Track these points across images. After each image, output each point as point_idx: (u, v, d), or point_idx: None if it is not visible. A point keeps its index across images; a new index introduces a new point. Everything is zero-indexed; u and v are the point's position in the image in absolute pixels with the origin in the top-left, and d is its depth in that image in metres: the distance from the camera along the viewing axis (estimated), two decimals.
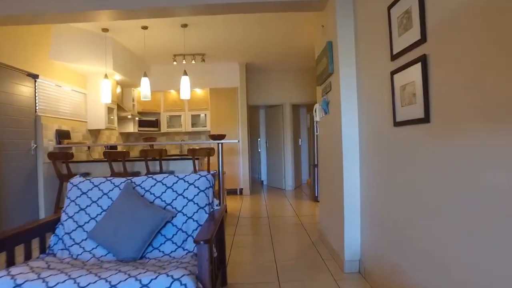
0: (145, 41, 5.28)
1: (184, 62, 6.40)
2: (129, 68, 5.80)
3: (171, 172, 4.54)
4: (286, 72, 7.63)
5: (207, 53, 6.28)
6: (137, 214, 2.08)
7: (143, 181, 2.36)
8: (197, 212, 2.20)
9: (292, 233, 3.94)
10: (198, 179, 2.32)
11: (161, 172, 4.17)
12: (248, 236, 3.86)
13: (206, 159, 4.92)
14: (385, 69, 2.06)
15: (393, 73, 1.91)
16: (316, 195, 5.86)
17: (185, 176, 2.35)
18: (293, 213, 4.97)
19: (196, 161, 4.48)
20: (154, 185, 2.32)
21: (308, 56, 6.54)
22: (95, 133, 5.68)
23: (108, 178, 2.40)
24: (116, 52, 5.23)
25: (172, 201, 2.25)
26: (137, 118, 6.63)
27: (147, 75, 4.98)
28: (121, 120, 6.67)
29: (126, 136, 7.08)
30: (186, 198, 2.24)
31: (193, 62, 6.37)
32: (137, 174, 4.46)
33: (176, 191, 2.28)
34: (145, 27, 4.74)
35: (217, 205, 2.38)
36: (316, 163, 5.86)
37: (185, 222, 2.18)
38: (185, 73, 4.72)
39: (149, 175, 2.41)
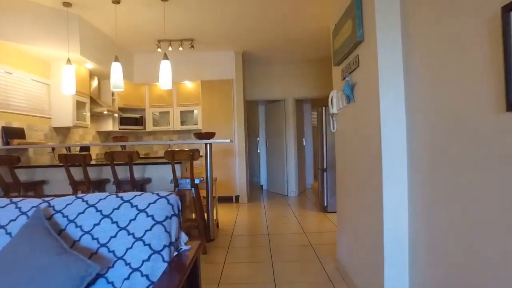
0: (118, 20, 4.37)
1: (170, 49, 5.50)
2: (104, 55, 4.90)
3: (147, 181, 3.64)
4: (288, 63, 6.73)
5: (197, 39, 5.38)
6: (39, 269, 1.18)
7: (67, 205, 1.45)
8: (148, 259, 1.30)
9: (300, 260, 3.04)
10: (154, 202, 1.42)
11: (132, 181, 3.27)
12: (242, 266, 2.95)
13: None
14: (484, 11, 1.15)
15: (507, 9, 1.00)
16: (326, 205, 4.96)
17: (134, 197, 1.45)
18: (299, 229, 4.07)
19: (178, 166, 3.59)
20: (84, 211, 1.42)
21: (315, 44, 5.65)
22: (63, 132, 4.78)
23: (13, 200, 1.50)
24: (84, 33, 4.32)
25: (109, 240, 1.35)
26: (116, 115, 5.73)
27: (119, 59, 4.07)
28: (99, 117, 5.77)
29: (105, 135, 6.17)
30: (132, 235, 1.35)
31: (180, 49, 5.47)
32: (104, 183, 3.56)
33: (116, 223, 1.38)
34: (116, 1, 3.83)
35: (185, 244, 1.48)
36: (325, 167, 4.96)
37: (128, 277, 1.28)
38: (166, 57, 3.82)
39: (78, 196, 1.51)
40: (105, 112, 5.21)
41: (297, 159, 6.75)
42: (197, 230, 3.34)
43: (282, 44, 5.74)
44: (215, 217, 4.29)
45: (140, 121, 6.34)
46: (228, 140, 3.48)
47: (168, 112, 6.44)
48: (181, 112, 6.38)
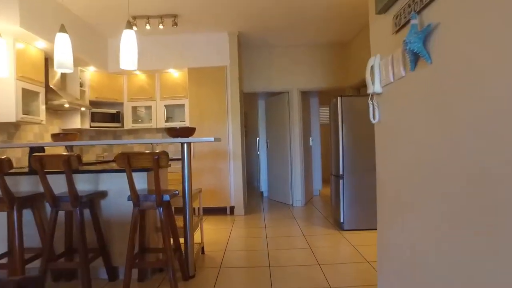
0: None
1: (148, 27, 4.47)
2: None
3: (101, 195, 2.61)
4: (294, 47, 5.70)
5: (181, 14, 4.36)
6: None
7: None
8: None
9: None
10: None
11: (72, 196, 2.24)
12: None
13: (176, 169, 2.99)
14: None
15: None
16: (342, 221, 3.92)
17: None
18: (311, 258, 3.03)
19: (143, 174, 2.56)
20: None
21: (328, 23, 4.62)
22: (6, 128, 3.75)
23: None
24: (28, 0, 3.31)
25: None
26: (83, 109, 4.70)
27: (63, 30, 3.05)
28: (63, 112, 4.75)
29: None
30: None
31: (160, 27, 4.45)
32: (37, 200, 2.52)
33: None
34: None
35: None
36: (341, 173, 3.92)
37: None
38: (129, 26, 2.78)
39: None
40: (66, 105, 4.18)
41: (303, 162, 5.71)
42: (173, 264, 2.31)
43: (287, 23, 4.72)
44: (199, 241, 3.27)
45: (117, 118, 5.33)
46: (212, 139, 2.44)
47: (150, 107, 5.42)
48: (166, 107, 5.36)
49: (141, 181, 2.60)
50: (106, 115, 5.21)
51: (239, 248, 3.41)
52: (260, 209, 5.42)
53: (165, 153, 2.19)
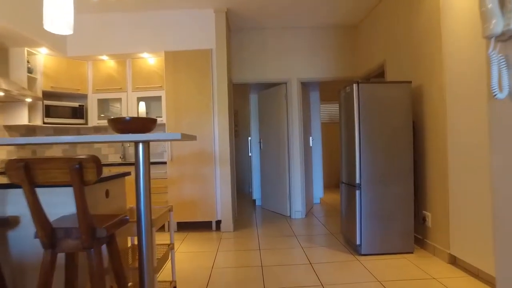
0: None
1: None
2: (12, 5, 2.94)
3: (8, 224, 1.68)
4: (293, 29, 4.83)
5: None
6: None
7: None
8: None
9: None
10: None
11: None
12: None
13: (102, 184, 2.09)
14: None
15: None
16: (359, 243, 3.05)
17: None
18: None
19: (66, 190, 1.65)
20: None
21: None
22: None
23: None
24: None
25: None
26: (28, 100, 3.74)
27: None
28: (5, 104, 3.79)
29: (20, 131, 4.19)
30: None
31: None
32: None
33: None
34: None
35: None
36: (358, 181, 3.05)
37: None
38: None
39: None
40: (1, 94, 3.23)
41: (303, 166, 4.84)
42: None
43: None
44: (169, 278, 2.36)
45: (80, 112, 4.38)
46: (178, 135, 1.54)
47: (119, 99, 4.49)
48: (139, 99, 4.43)
49: (69, 201, 1.68)
50: (66, 109, 4.25)
51: (226, 284, 2.50)
52: (253, 222, 4.53)
53: (94, 160, 1.27)
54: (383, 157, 3.05)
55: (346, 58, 4.85)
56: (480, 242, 2.42)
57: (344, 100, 3.34)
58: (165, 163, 4.10)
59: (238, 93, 7.28)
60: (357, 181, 3.05)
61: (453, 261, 2.79)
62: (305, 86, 5.31)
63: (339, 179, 7.76)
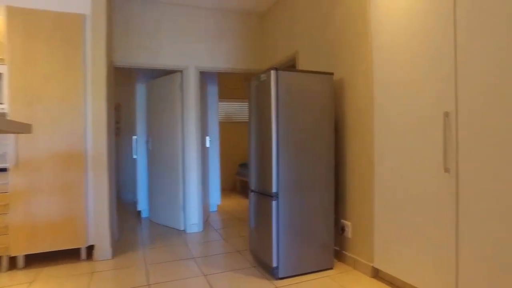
0: None
1: None
2: None
3: None
4: (194, 9, 4.07)
5: None
6: None
7: None
8: None
9: None
10: None
11: None
12: None
13: None
14: None
15: None
16: (276, 265, 2.52)
17: None
18: None
19: None
20: None
21: None
22: None
23: None
24: None
25: None
26: None
27: None
28: None
29: None
30: None
31: None
32: None
33: None
34: None
35: None
36: (275, 190, 2.53)
37: None
38: None
39: None
40: None
41: (200, 170, 4.13)
42: None
43: None
44: None
45: None
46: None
47: None
48: None
49: None
50: None
51: None
52: (138, 242, 3.59)
53: None
54: (305, 160, 2.61)
55: (252, 48, 4.37)
56: (405, 253, 2.16)
57: (256, 91, 2.78)
58: (4, 170, 2.84)
59: (122, 82, 6.10)
60: (274, 189, 2.53)
61: (376, 274, 2.52)
62: (204, 78, 4.63)
63: (235, 183, 7.32)
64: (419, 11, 2.07)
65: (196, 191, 4.06)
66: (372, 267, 2.50)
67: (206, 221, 4.49)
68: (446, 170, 1.90)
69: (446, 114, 1.90)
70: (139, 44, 3.84)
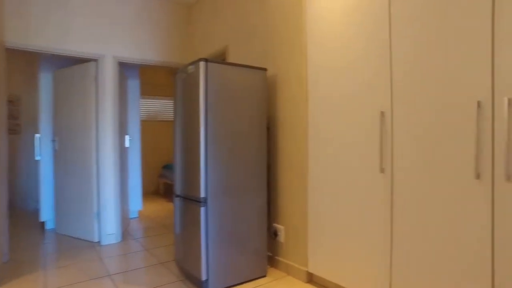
0: None
1: None
2: None
3: None
4: None
5: None
6: None
7: None
8: None
9: None
10: None
11: None
12: None
13: None
14: None
15: None
16: (205, 277, 2.27)
17: None
18: None
19: None
20: None
21: None
22: None
23: None
24: None
25: None
26: None
27: None
28: None
29: None
30: None
31: None
32: None
33: None
34: None
35: None
36: (203, 195, 2.28)
37: None
38: None
39: None
40: None
41: (118, 173, 3.67)
42: None
43: None
44: None
45: None
46: None
47: None
48: None
49: None
50: None
51: None
52: (39, 261, 3.01)
53: None
54: (236, 161, 2.41)
55: (179, 41, 4.03)
56: (340, 255, 2.11)
57: (183, 85, 2.50)
58: None
59: (21, 70, 5.21)
60: (202, 194, 2.28)
61: (310, 279, 2.43)
62: (124, 71, 4.15)
63: (159, 185, 6.80)
64: (355, 8, 2.03)
65: (113, 196, 3.58)
66: (307, 271, 2.41)
67: (125, 230, 4.02)
68: (382, 170, 1.87)
69: (382, 114, 1.87)
70: (42, 22, 3.23)
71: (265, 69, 2.55)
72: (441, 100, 1.60)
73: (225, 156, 2.35)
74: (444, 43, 1.58)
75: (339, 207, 2.15)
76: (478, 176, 1.50)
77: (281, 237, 2.65)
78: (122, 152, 3.95)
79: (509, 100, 1.42)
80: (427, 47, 1.64)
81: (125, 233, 3.89)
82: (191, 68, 2.38)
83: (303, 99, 2.45)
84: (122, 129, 3.96)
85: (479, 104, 1.49)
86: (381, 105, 1.87)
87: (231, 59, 3.31)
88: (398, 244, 1.79)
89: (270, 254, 2.76)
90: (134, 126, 4.80)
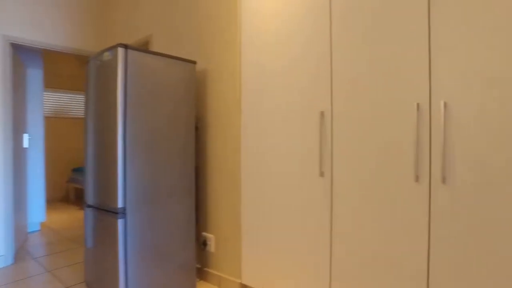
0: None
1: None
2: None
3: None
4: None
5: None
6: None
7: None
8: None
9: None
10: None
11: None
12: None
13: None
14: None
15: None
16: None
17: None
18: None
19: None
20: None
21: None
22: None
23: None
24: None
25: None
26: None
27: None
28: None
29: None
30: None
31: None
32: None
33: None
34: None
35: None
36: (122, 205, 1.93)
37: None
38: None
39: None
40: None
41: (10, 179, 3.02)
42: None
43: None
44: None
45: None
46: None
47: None
48: None
49: None
50: None
51: None
52: None
53: None
54: (159, 164, 2.10)
55: (94, 26, 3.51)
56: (278, 264, 1.97)
57: (97, 74, 2.10)
58: None
59: None
60: (120, 204, 1.93)
61: None
62: (20, 58, 3.46)
63: (68, 191, 5.94)
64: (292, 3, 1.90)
65: (2, 208, 2.93)
66: (240, 283, 2.22)
67: (20, 248, 3.35)
68: (321, 174, 1.77)
69: (322, 114, 1.77)
70: None
71: (194, 62, 2.29)
72: (382, 101, 1.55)
73: (147, 158, 2.04)
74: (386, 43, 1.54)
75: (277, 214, 2.00)
76: (417, 178, 1.48)
77: (211, 247, 2.41)
78: (19, 154, 3.28)
79: (445, 103, 1.42)
80: (370, 44, 1.59)
81: (21, 252, 3.23)
82: (107, 55, 2.01)
83: (236, 98, 2.26)
84: (18, 127, 3.28)
85: (418, 106, 1.47)
86: (320, 105, 1.77)
87: (155, 49, 2.96)
88: (337, 249, 1.70)
89: (199, 266, 2.51)
90: (36, 123, 4.07)
